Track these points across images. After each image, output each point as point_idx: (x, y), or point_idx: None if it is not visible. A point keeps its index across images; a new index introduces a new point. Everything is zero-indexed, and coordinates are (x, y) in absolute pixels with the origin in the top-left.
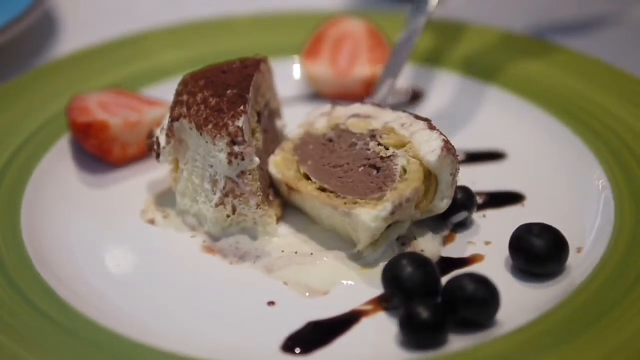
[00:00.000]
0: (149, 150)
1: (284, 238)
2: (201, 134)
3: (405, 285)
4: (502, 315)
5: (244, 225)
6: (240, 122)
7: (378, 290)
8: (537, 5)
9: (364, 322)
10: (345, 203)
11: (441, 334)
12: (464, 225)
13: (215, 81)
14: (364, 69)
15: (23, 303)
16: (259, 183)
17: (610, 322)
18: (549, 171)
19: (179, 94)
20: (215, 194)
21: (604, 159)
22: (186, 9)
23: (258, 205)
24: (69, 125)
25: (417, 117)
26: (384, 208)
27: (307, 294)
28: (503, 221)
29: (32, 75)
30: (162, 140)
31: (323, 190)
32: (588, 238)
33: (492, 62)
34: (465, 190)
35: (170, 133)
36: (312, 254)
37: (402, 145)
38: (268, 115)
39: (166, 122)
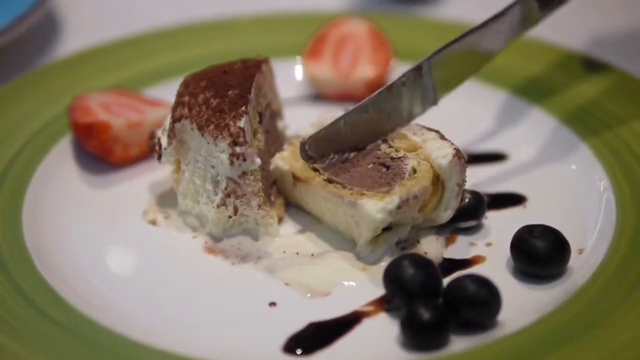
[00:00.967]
0: (151, 151)
1: (285, 238)
2: (202, 135)
3: (406, 286)
4: (503, 316)
5: (245, 226)
6: (241, 123)
7: (379, 291)
8: None
9: (365, 322)
10: (352, 194)
11: (442, 335)
12: (467, 229)
13: (216, 82)
14: (366, 69)
15: (24, 303)
16: (260, 184)
17: (612, 323)
18: (551, 172)
19: (180, 94)
20: (216, 194)
21: (605, 160)
22: (188, 9)
23: (259, 206)
24: (70, 126)
25: (428, 128)
26: (390, 200)
27: (309, 295)
28: (504, 222)
29: (33, 76)
30: (164, 141)
31: (330, 182)
32: (589, 239)
33: (493, 63)
34: (476, 196)
35: (172, 134)
36: (313, 254)
37: (413, 149)
38: (269, 116)
39: (167, 123)
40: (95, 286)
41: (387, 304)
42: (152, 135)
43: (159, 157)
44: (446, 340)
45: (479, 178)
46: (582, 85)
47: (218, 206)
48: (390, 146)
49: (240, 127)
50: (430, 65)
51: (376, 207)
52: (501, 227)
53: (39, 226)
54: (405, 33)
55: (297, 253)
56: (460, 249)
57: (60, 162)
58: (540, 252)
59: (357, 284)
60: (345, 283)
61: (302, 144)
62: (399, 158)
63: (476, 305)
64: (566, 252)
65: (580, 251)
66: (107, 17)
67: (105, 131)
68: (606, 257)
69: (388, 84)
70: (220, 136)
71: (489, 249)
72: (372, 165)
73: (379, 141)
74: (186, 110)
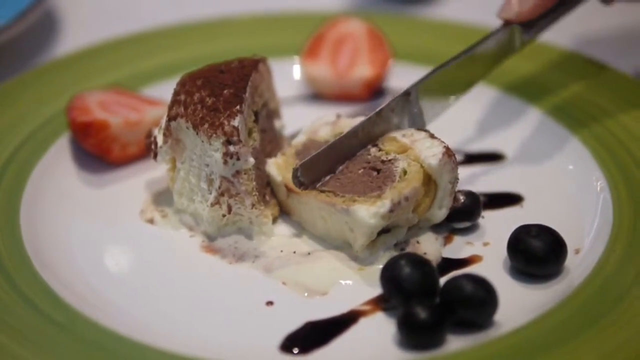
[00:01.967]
0: (147, 149)
1: (282, 238)
2: (197, 133)
3: (403, 285)
4: (500, 315)
5: (239, 225)
6: (235, 122)
7: (376, 291)
8: None
9: (362, 322)
10: (344, 201)
11: (439, 335)
12: (464, 229)
13: (212, 80)
14: (364, 69)
15: (22, 302)
16: (254, 183)
17: (608, 323)
18: (547, 172)
19: (176, 93)
20: (210, 193)
21: (602, 160)
22: (187, 8)
23: (253, 205)
24: (68, 124)
25: (418, 129)
26: (382, 204)
27: (306, 294)
28: (501, 222)
29: (32, 74)
30: (160, 140)
31: (322, 191)
32: (586, 239)
33: None
34: (472, 196)
35: (167, 132)
36: (309, 253)
37: (403, 150)
38: (266, 115)
39: (164, 121)
40: (93, 285)
41: (384, 303)
42: (149, 134)
43: (155, 156)
44: (443, 340)
45: (475, 178)
46: (579, 85)
47: (212, 205)
48: (380, 149)
49: (234, 126)
50: (418, 90)
51: (368, 212)
52: (498, 226)
53: (36, 225)
54: (403, 33)
55: (294, 252)
56: (457, 248)
57: (58, 160)
58: (537, 252)
59: (353, 283)
60: (342, 282)
61: (295, 171)
62: (389, 161)
63: (473, 304)
64: (563, 252)
65: (577, 251)
66: (105, 16)
67: (103, 130)
68: (603, 257)
69: (377, 109)
70: (214, 135)
71: (486, 249)
72: (362, 170)
73: (369, 145)
74: (182, 108)
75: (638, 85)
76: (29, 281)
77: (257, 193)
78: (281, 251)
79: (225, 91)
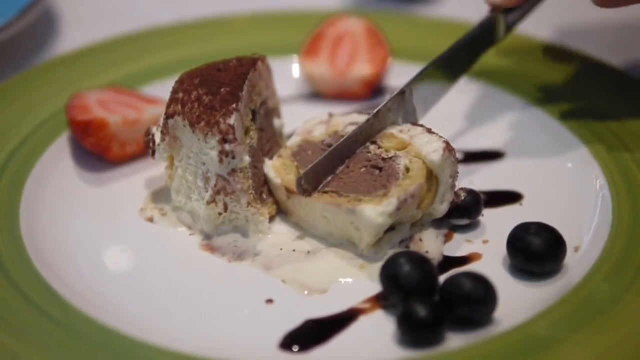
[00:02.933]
0: (145, 147)
1: (281, 235)
2: (194, 131)
3: (402, 283)
4: (499, 313)
5: (236, 223)
6: (231, 120)
7: (376, 288)
8: None
9: (362, 319)
10: (349, 201)
11: (438, 332)
12: (463, 227)
13: (209, 79)
14: (362, 68)
15: (21, 300)
16: (250, 181)
17: (607, 321)
18: (547, 170)
19: (174, 91)
20: (207, 191)
21: (601, 158)
22: (186, 7)
23: (249, 203)
24: (68, 123)
25: (414, 124)
26: (389, 203)
27: (305, 292)
28: (501, 220)
29: (31, 73)
30: (157, 137)
31: (324, 192)
32: (585, 237)
33: (489, 62)
34: (473, 194)
35: (165, 130)
36: (309, 251)
37: (402, 147)
38: (265, 114)
39: (161, 119)
40: (92, 283)
41: (384, 301)
42: (147, 132)
43: (153, 154)
44: (442, 337)
45: (475, 176)
46: (578, 83)
47: (208, 203)
48: (379, 147)
49: (229, 124)
50: (412, 88)
51: (376, 211)
52: (497, 224)
53: (36, 223)
54: (402, 31)
55: (294, 250)
56: (456, 246)
57: (57, 159)
58: (536, 250)
59: (353, 281)
60: (342, 280)
61: (299, 180)
62: (390, 158)
63: (472, 302)
64: (562, 250)
65: (576, 249)
66: (104, 14)
67: (102, 128)
68: (602, 255)
69: (374, 110)
70: (210, 133)
71: (485, 246)
72: (364, 168)
73: (367, 142)
74: (179, 106)
75: (637, 83)
76: (29, 279)
77: (253, 191)
78: (280, 249)
79: (222, 89)
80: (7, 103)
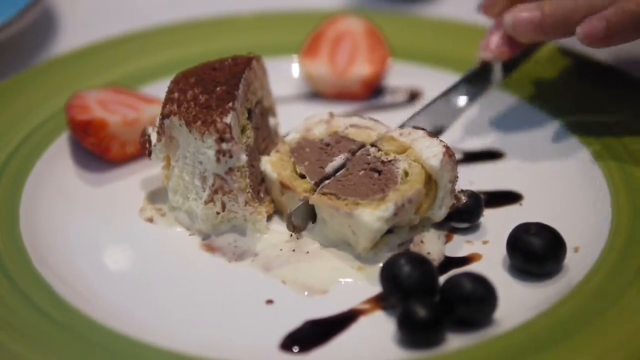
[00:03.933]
0: (142, 147)
1: (281, 236)
2: (190, 131)
3: (402, 284)
4: (499, 314)
5: (234, 223)
6: (228, 119)
7: (376, 289)
8: None
9: (362, 320)
10: (347, 204)
11: (438, 333)
12: (463, 228)
13: (205, 78)
14: (362, 68)
15: (21, 300)
16: (247, 180)
17: (607, 321)
18: (546, 170)
19: (170, 91)
20: (204, 190)
21: (601, 157)
22: (185, 7)
23: (247, 202)
24: (67, 123)
25: (415, 127)
26: (386, 208)
27: (305, 293)
28: (500, 220)
29: (31, 73)
30: (153, 138)
31: (323, 194)
32: (585, 237)
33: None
34: (475, 197)
35: (161, 130)
36: (309, 252)
37: (402, 150)
38: (260, 113)
39: (157, 119)
40: (92, 283)
41: (384, 301)
42: (143, 133)
43: (149, 154)
44: (442, 338)
45: (475, 176)
46: (578, 83)
47: (206, 202)
48: (379, 150)
49: (226, 123)
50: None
51: (372, 216)
52: (497, 225)
53: (36, 223)
54: (402, 32)
55: (294, 251)
56: (456, 246)
57: (57, 159)
58: (536, 250)
59: (353, 282)
60: (342, 281)
61: (289, 216)
62: (390, 161)
63: (472, 303)
64: (562, 250)
65: (576, 249)
66: (104, 14)
67: (102, 129)
68: (602, 256)
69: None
70: (207, 132)
71: (485, 247)
72: (363, 171)
73: (368, 145)
74: (175, 106)
75: (637, 83)
76: (28, 279)
77: (250, 190)
78: (280, 250)
79: (218, 89)
80: (7, 103)
